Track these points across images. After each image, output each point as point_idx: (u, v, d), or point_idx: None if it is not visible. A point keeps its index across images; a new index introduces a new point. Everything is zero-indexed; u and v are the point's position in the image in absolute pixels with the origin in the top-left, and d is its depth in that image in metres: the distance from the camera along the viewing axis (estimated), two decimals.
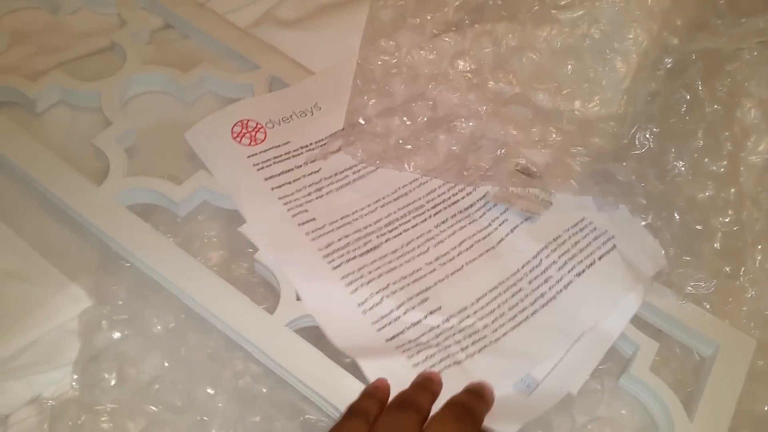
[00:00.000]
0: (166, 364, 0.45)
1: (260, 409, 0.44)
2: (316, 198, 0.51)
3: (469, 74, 0.57)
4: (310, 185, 0.52)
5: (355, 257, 0.48)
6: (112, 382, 0.43)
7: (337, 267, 0.47)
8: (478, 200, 0.52)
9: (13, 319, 0.45)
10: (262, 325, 0.44)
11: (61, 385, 0.44)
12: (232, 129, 0.53)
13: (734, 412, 0.45)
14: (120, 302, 0.46)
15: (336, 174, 0.53)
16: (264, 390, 0.45)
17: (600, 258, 0.49)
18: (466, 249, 0.50)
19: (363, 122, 0.54)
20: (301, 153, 0.53)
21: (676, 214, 0.47)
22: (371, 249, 0.49)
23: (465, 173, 0.52)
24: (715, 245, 0.47)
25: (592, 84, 0.57)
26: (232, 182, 0.51)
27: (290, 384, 0.43)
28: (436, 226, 0.51)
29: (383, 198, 0.52)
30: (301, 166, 0.53)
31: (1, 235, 0.49)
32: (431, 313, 0.46)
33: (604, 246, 0.50)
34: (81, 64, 0.58)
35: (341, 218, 0.50)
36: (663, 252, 0.49)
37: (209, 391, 0.44)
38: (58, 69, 0.55)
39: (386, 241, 0.49)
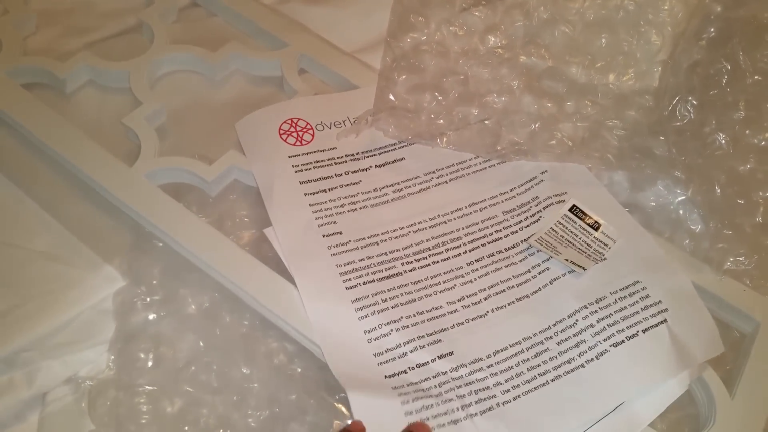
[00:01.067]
0: (201, 345, 0.44)
1: (296, 388, 0.44)
2: (349, 211, 0.48)
3: (500, 49, 0.56)
4: (345, 197, 0.49)
5: (373, 281, 0.45)
6: (149, 363, 0.43)
7: (351, 288, 0.45)
8: (522, 241, 0.48)
9: (49, 300, 0.45)
10: (296, 304, 0.44)
11: (96, 364, 0.44)
12: (281, 126, 0.52)
13: None
14: (154, 282, 0.46)
15: (375, 189, 0.50)
16: (299, 369, 0.44)
17: (645, 331, 0.44)
18: (496, 294, 0.45)
19: (393, 99, 0.53)
20: (345, 161, 0.51)
21: (717, 188, 0.45)
22: (392, 275, 0.46)
23: (499, 148, 0.51)
24: (757, 219, 0.46)
25: (626, 57, 0.56)
26: (267, 181, 0.49)
27: (325, 362, 0.43)
28: (469, 264, 0.47)
29: (419, 223, 0.49)
30: (341, 174, 0.50)
31: (35, 216, 0.49)
32: (441, 357, 0.42)
33: (653, 318, 0.44)
34: (109, 44, 0.58)
35: (369, 237, 0.47)
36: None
37: (244, 370, 0.44)
38: (86, 49, 0.55)
39: (411, 270, 0.46)
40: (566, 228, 0.48)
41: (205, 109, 0.54)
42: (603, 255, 0.47)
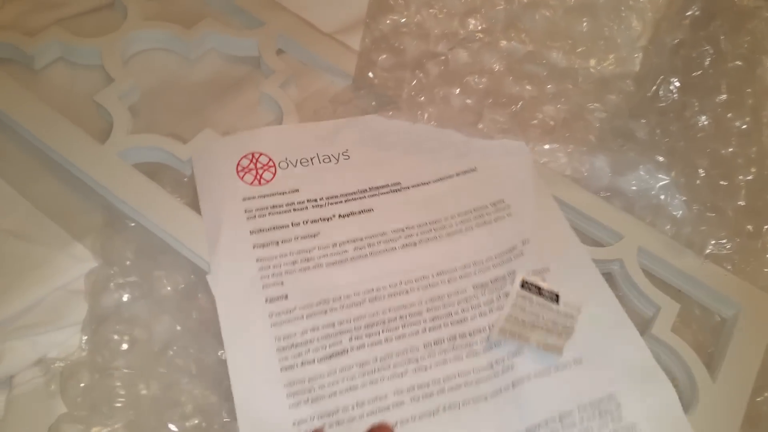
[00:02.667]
0: (179, 328, 0.43)
1: None
2: (300, 270, 0.43)
3: (480, 33, 0.56)
4: (298, 252, 0.44)
5: (313, 361, 0.40)
6: (124, 345, 0.42)
7: (286, 368, 0.40)
8: (488, 327, 0.43)
9: (16, 279, 0.43)
10: None
11: (67, 346, 0.42)
12: (239, 162, 0.47)
13: (757, 373, 0.44)
14: (128, 263, 0.45)
15: (335, 245, 0.45)
16: None
17: None
18: (450, 389, 0.40)
19: (373, 77, 0.52)
20: (306, 208, 0.46)
21: (700, 170, 0.45)
22: (337, 354, 0.41)
23: (480, 126, 0.50)
24: (739, 202, 0.46)
25: (607, 42, 0.56)
26: (214, 226, 0.44)
27: None
28: (426, 346, 0.41)
29: (377, 290, 0.43)
30: (299, 224, 0.45)
31: (3, 193, 0.47)
32: None
33: None
34: (80, 21, 0.56)
35: (318, 303, 0.42)
36: None
37: (220, 354, 0.42)
38: (57, 25, 0.53)
39: (359, 347, 0.41)
40: (525, 309, 0.43)
41: (180, 88, 0.53)
42: (572, 328, 0.42)
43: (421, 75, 0.52)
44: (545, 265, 0.45)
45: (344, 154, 0.49)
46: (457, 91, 0.51)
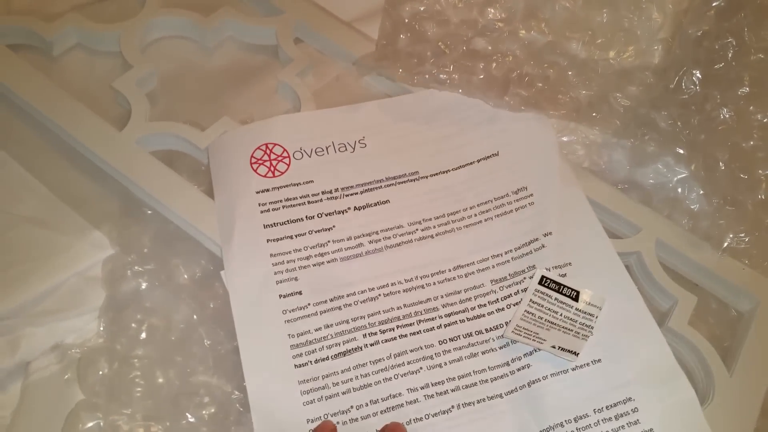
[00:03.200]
0: (195, 317, 0.43)
1: None
2: (314, 265, 0.43)
3: (500, 23, 0.55)
4: (313, 246, 0.43)
5: (327, 358, 0.40)
6: (142, 334, 0.42)
7: (301, 366, 0.39)
8: (507, 323, 0.42)
9: (34, 265, 0.44)
10: None
11: (84, 332, 0.43)
12: (253, 153, 0.46)
13: None
14: (145, 250, 0.45)
15: (349, 238, 0.44)
16: None
17: None
18: (465, 387, 0.40)
19: (397, 44, 0.51)
20: (320, 200, 0.45)
21: (721, 163, 0.45)
22: (350, 350, 0.40)
23: (506, 98, 0.48)
24: (760, 196, 0.46)
25: (627, 34, 0.55)
26: (228, 220, 0.44)
27: None
28: (441, 342, 0.41)
29: (392, 284, 0.43)
30: (313, 217, 0.44)
31: (22, 181, 0.47)
32: None
33: None
34: (99, 7, 0.56)
35: (332, 299, 0.42)
36: None
37: (237, 345, 0.42)
38: (75, 11, 0.53)
39: (373, 344, 0.40)
40: (542, 306, 0.42)
41: (198, 76, 0.53)
42: (591, 328, 0.41)
43: (444, 48, 0.50)
44: (567, 259, 0.44)
45: (360, 141, 0.48)
46: (482, 65, 0.50)
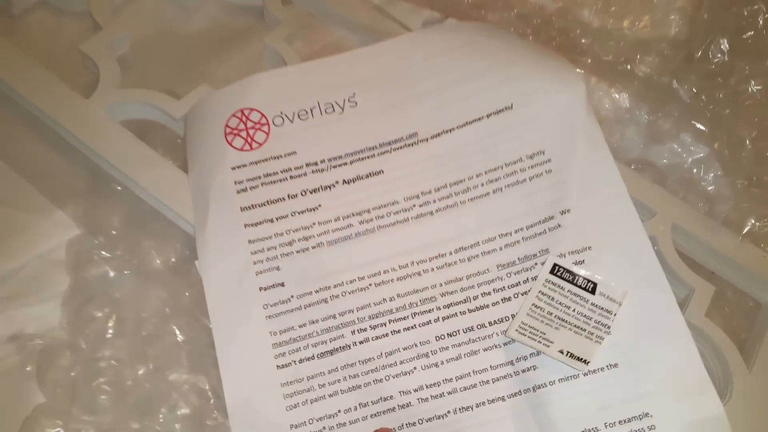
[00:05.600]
0: (168, 311, 0.40)
1: None
2: (298, 251, 0.39)
3: None
4: (296, 230, 0.40)
5: (312, 357, 0.37)
6: (110, 327, 0.39)
7: (283, 367, 0.37)
8: (512, 316, 0.38)
9: None
10: None
11: (46, 321, 0.40)
12: (227, 122, 0.42)
13: None
14: (114, 232, 0.42)
15: (337, 219, 0.40)
16: None
17: None
18: (463, 389, 0.37)
19: None
20: (304, 174, 0.41)
21: (747, 141, 0.42)
22: (337, 349, 0.37)
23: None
24: None
25: (642, 2, 0.52)
26: (202, 201, 0.40)
27: None
28: (438, 338, 0.38)
29: (384, 272, 0.39)
30: (296, 196, 0.40)
31: None
32: None
33: None
34: None
35: (317, 290, 0.38)
36: None
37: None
38: None
39: (362, 341, 0.37)
40: (553, 299, 0.38)
41: (175, 40, 0.50)
42: (608, 327, 0.37)
43: None
44: (587, 243, 0.39)
45: (350, 99, 0.43)
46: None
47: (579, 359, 0.36)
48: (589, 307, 0.37)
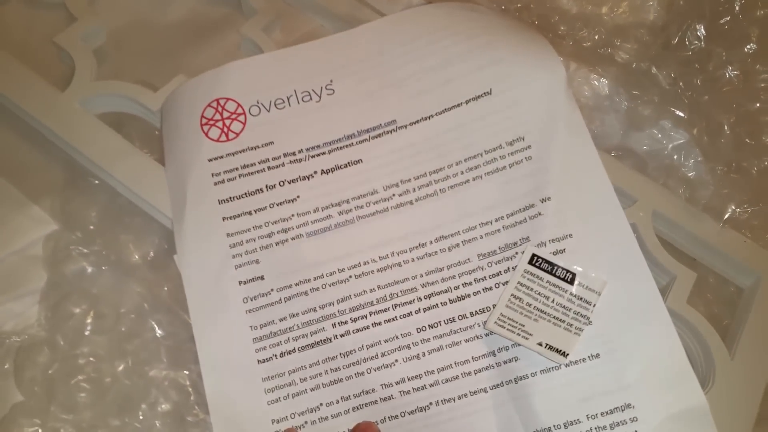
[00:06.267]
0: (146, 306, 0.39)
1: None
2: (277, 243, 0.39)
3: None
4: (275, 221, 0.39)
5: (293, 351, 0.37)
6: (88, 327, 0.38)
7: (264, 361, 0.36)
8: (493, 306, 0.38)
9: None
10: None
11: (24, 318, 0.40)
12: (203, 113, 0.41)
13: None
14: (91, 227, 0.41)
15: (316, 210, 0.40)
16: None
17: None
18: (445, 381, 0.36)
19: None
20: (282, 165, 0.40)
21: (725, 127, 0.42)
22: (318, 342, 0.37)
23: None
24: (766, 162, 0.43)
25: None
26: (179, 194, 0.39)
27: None
28: (420, 330, 0.37)
29: (364, 264, 0.38)
30: (274, 186, 0.40)
31: None
32: None
33: None
34: None
35: (297, 283, 0.38)
36: None
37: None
38: None
39: (343, 334, 0.37)
40: (531, 290, 0.37)
41: (151, 31, 0.49)
42: (587, 318, 0.37)
43: None
44: (568, 230, 0.39)
45: (327, 87, 0.43)
46: None
47: (558, 351, 0.36)
48: (568, 298, 0.37)
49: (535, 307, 0.37)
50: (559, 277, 0.38)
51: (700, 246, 0.44)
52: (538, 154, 0.40)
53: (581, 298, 0.37)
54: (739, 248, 0.44)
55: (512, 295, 0.37)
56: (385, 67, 0.43)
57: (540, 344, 0.36)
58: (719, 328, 0.42)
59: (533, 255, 0.38)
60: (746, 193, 0.44)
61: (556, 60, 0.42)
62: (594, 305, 0.37)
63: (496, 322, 0.37)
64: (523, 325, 0.37)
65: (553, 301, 0.37)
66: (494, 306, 0.37)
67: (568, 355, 0.36)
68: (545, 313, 0.37)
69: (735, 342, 0.41)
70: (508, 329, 0.36)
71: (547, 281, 0.38)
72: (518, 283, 0.38)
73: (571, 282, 0.38)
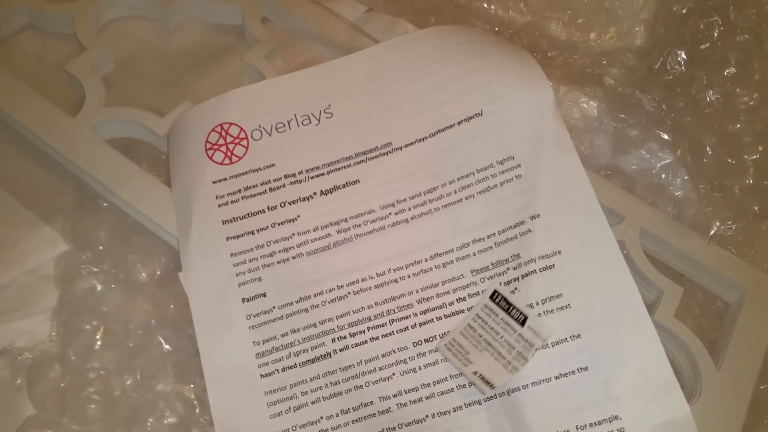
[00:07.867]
0: (153, 322, 0.40)
1: None
2: (279, 262, 0.40)
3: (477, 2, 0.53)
4: (276, 241, 0.40)
5: (294, 366, 0.38)
6: (98, 342, 0.39)
7: (267, 375, 0.37)
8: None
9: None
10: None
11: (36, 335, 0.40)
12: (208, 137, 0.42)
13: (762, 360, 0.42)
14: (100, 247, 0.42)
15: (316, 229, 0.40)
16: None
17: None
18: (440, 393, 0.37)
19: None
20: (283, 186, 0.41)
21: (708, 147, 0.43)
22: (319, 357, 0.38)
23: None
24: (747, 181, 0.44)
25: (608, 14, 0.53)
26: (185, 215, 0.41)
27: None
28: (416, 344, 0.38)
29: (362, 280, 0.39)
30: (276, 207, 0.41)
31: None
32: None
33: None
34: None
35: (298, 300, 0.39)
36: None
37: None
38: None
39: (342, 349, 0.38)
40: (486, 324, 0.38)
41: (158, 59, 0.50)
42: (525, 360, 0.37)
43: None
44: (556, 247, 0.40)
45: (326, 111, 0.44)
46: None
47: (487, 382, 0.36)
48: (516, 338, 0.38)
49: (484, 339, 0.38)
50: (512, 317, 0.38)
51: (687, 262, 0.45)
52: (528, 172, 0.41)
53: (526, 340, 0.38)
54: (725, 264, 0.45)
55: (468, 324, 0.38)
56: (381, 91, 0.44)
57: (475, 373, 0.37)
58: (707, 341, 0.43)
59: (495, 291, 0.39)
60: (730, 210, 0.45)
61: (544, 80, 0.43)
62: (536, 349, 0.38)
63: (446, 345, 0.38)
64: (468, 353, 0.37)
65: (501, 337, 0.38)
66: (448, 332, 0.38)
67: (494, 387, 0.36)
68: (491, 346, 0.38)
69: (721, 354, 0.42)
70: (453, 353, 0.37)
71: (501, 318, 0.38)
72: (476, 314, 0.39)
73: (522, 323, 0.38)
